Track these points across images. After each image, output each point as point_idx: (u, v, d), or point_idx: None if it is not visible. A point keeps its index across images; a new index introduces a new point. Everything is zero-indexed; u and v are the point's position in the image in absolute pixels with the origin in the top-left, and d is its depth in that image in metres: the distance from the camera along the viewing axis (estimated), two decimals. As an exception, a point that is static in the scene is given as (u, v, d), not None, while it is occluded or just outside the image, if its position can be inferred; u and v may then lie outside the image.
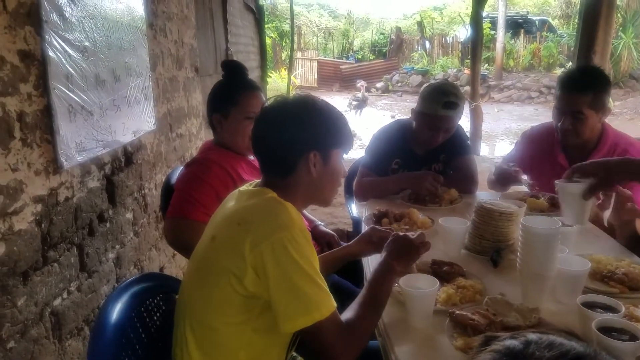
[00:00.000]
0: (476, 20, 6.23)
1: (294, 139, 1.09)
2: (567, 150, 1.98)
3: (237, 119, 1.67)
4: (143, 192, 2.13)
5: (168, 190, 1.77)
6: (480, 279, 1.32)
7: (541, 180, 1.99)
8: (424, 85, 2.25)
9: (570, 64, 13.26)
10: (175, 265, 2.60)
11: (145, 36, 2.28)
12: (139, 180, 2.09)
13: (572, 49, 13.88)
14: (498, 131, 8.85)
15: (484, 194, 2.18)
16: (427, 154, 2.25)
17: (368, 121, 10.15)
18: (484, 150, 7.27)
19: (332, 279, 1.58)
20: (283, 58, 18.41)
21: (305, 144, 1.09)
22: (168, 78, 2.58)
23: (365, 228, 1.80)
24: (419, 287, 1.14)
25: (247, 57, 5.58)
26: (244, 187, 1.18)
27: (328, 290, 1.01)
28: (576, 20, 15.80)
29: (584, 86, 1.82)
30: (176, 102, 2.70)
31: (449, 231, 1.54)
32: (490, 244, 1.49)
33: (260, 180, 1.18)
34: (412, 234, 1.27)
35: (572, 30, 15.15)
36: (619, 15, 11.45)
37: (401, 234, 1.27)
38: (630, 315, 1.08)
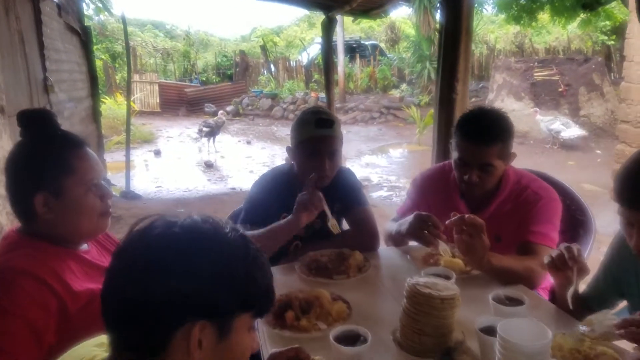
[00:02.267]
0: (327, 45, 6.24)
1: (169, 300, 0.66)
2: (466, 196, 1.82)
3: (77, 194, 1.13)
4: None
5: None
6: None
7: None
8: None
9: (404, 85, 14.56)
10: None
11: None
12: None
13: (403, 71, 15.31)
14: (351, 153, 9.10)
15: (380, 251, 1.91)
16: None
17: (224, 148, 9.62)
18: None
19: None
20: (118, 81, 16.72)
21: (188, 309, 0.67)
22: (-52, 129, 1.81)
23: (261, 329, 1.37)
24: None
25: (73, 85, 4.66)
26: None
27: None
28: (402, 44, 17.54)
29: (493, 137, 1.63)
30: (-33, 160, 1.92)
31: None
32: (434, 340, 1.18)
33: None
34: None
35: (399, 53, 16.72)
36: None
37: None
38: None
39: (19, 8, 2.97)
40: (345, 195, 1.94)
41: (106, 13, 6.57)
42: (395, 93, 14.12)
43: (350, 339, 1.13)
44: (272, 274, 0.77)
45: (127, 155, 6.17)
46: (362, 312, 1.34)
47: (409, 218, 1.69)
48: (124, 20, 5.84)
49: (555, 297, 1.45)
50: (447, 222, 1.48)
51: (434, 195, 1.88)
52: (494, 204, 1.76)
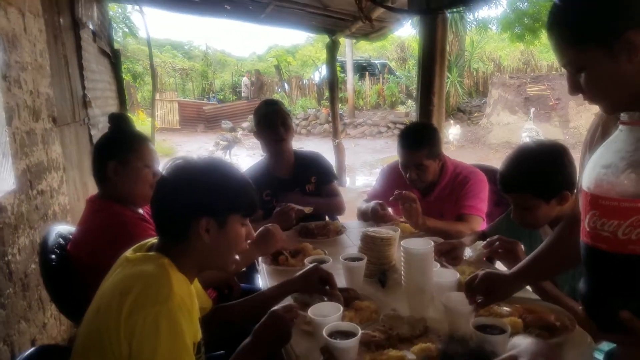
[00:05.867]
0: (331, 65, 6.78)
1: (185, 204, 1.07)
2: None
3: (137, 167, 1.64)
4: (6, 258, 1.89)
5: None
6: (373, 300, 1.48)
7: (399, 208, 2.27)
8: None
9: (410, 102, 15.08)
10: (47, 335, 2.31)
11: (-1, 88, 2.09)
12: (2, 246, 1.87)
13: (410, 88, 15.84)
14: (357, 164, 9.62)
15: (353, 223, 2.41)
16: (295, 176, 2.51)
17: (239, 161, 10.20)
18: (348, 182, 7.85)
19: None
20: (139, 100, 17.62)
21: (196, 209, 1.07)
22: (25, 131, 2.37)
23: (262, 267, 1.87)
24: (325, 315, 1.25)
25: (105, 102, 5.28)
26: (130, 253, 1.12)
27: None
28: (410, 62, 18.14)
29: (420, 143, 2.16)
30: (35, 156, 2.47)
31: (352, 267, 1.62)
32: (376, 266, 1.68)
33: (155, 240, 1.16)
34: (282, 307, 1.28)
35: (407, 71, 17.28)
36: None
37: (276, 308, 1.26)
38: (495, 313, 1.33)
39: (64, 36, 3.59)
40: (321, 171, 2.56)
41: (129, 36, 7.24)
42: (402, 109, 14.64)
43: (320, 262, 1.62)
44: (255, 191, 1.19)
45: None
46: (334, 255, 1.82)
47: (371, 204, 2.28)
48: (148, 43, 6.51)
49: None
50: (390, 199, 2.07)
51: (395, 183, 2.36)
52: (436, 190, 2.27)
